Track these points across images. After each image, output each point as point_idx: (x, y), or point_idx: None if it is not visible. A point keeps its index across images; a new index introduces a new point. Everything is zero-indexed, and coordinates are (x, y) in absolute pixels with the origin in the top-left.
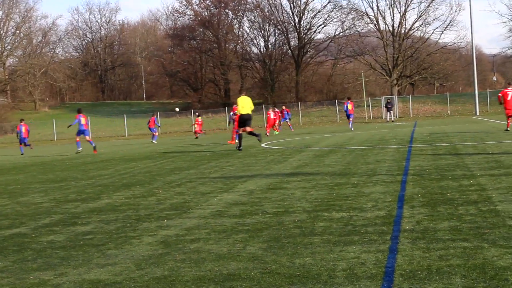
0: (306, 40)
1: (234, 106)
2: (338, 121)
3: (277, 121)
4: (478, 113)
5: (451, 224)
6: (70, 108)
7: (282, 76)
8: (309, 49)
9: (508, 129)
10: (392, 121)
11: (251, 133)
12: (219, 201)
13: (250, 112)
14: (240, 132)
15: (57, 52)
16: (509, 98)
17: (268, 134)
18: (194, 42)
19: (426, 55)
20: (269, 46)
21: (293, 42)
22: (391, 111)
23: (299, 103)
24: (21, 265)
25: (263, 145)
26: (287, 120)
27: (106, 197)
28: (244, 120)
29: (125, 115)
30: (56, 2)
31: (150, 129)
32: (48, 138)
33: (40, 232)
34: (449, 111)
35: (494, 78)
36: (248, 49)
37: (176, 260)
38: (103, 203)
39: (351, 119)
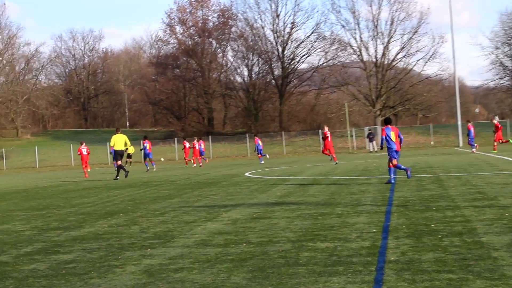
0: (289, 70)
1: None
2: (321, 151)
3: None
4: (461, 145)
5: (436, 256)
6: (53, 135)
7: (266, 105)
8: (292, 79)
9: (337, 162)
10: (376, 151)
11: (120, 166)
12: (203, 230)
13: (123, 148)
14: (119, 164)
15: (40, 79)
16: (329, 139)
17: (198, 164)
18: (178, 70)
19: (409, 86)
20: (253, 75)
21: (277, 72)
22: (373, 142)
23: (283, 132)
24: None
25: (247, 174)
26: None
27: (89, 225)
28: (117, 154)
29: (108, 143)
30: (39, 30)
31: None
32: (30, 165)
33: (22, 260)
34: (432, 142)
35: (477, 110)
36: (232, 78)
37: None
38: (85, 232)
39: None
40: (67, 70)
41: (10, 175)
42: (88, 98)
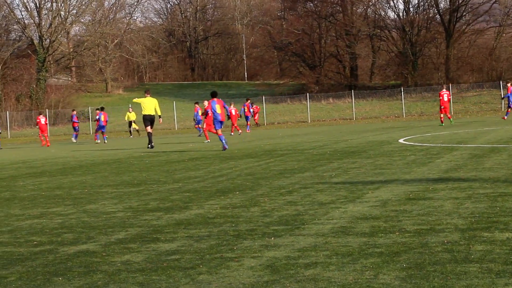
0: (460, 1)
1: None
2: (503, 109)
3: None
4: None
5: None
6: (151, 90)
7: (428, 49)
8: (464, 13)
9: (240, 133)
10: None
11: (149, 134)
12: (342, 214)
13: (152, 113)
14: (149, 131)
15: (135, 18)
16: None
17: (237, 132)
18: (311, 4)
19: None
20: (411, 9)
21: (443, 4)
22: None
23: (450, 85)
24: None
25: (401, 140)
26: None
27: (197, 206)
28: (146, 120)
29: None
30: None
31: (74, 127)
32: (123, 128)
33: (113, 250)
34: None
35: None
36: (383, 13)
37: None
38: (192, 214)
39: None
40: (168, 5)
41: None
42: (195, 42)
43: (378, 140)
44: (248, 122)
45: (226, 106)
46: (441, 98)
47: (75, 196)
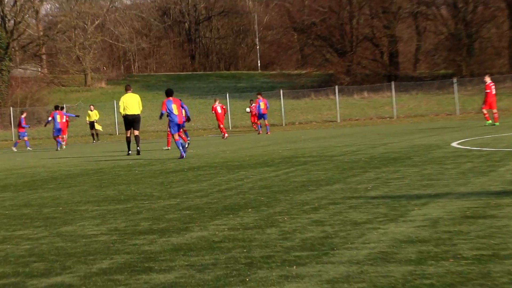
0: None
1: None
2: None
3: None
4: None
5: None
6: (141, 83)
7: (487, 30)
8: None
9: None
10: None
11: (136, 138)
12: (381, 236)
13: (136, 113)
14: (128, 135)
15: None
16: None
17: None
18: None
19: None
20: None
21: None
22: None
23: None
24: None
25: (454, 144)
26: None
27: (199, 228)
28: (129, 122)
29: (227, 95)
30: None
31: (19, 133)
32: (107, 131)
33: (94, 282)
34: None
35: None
36: None
37: None
38: (193, 237)
39: (265, 121)
40: None
41: (74, 146)
42: (196, 23)
43: (426, 143)
44: (267, 122)
45: (184, 106)
46: (489, 91)
47: (47, 215)
